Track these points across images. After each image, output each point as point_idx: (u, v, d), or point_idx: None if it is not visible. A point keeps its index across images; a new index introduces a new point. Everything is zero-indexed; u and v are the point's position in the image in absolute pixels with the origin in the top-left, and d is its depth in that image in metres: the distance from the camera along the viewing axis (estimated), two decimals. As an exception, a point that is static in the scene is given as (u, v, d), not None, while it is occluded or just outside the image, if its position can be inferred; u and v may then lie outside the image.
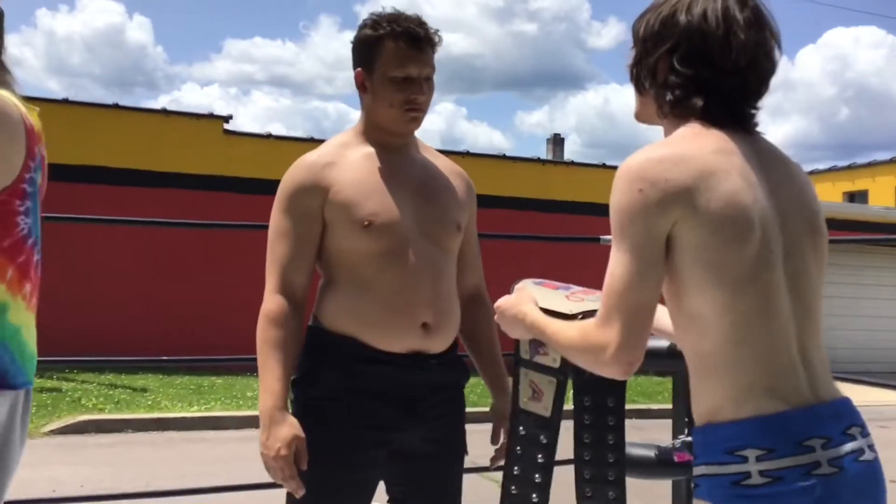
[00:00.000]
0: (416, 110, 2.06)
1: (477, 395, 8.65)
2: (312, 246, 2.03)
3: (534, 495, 1.76)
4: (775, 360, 1.34)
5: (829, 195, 18.44)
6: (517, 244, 11.49)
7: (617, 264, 1.34)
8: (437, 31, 2.06)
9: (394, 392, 1.99)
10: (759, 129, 1.48)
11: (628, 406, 8.34)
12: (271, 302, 1.98)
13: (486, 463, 2.26)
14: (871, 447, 1.39)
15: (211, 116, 12.46)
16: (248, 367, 11.43)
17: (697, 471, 1.37)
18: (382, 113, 2.06)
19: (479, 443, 2.33)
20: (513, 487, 1.78)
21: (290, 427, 1.90)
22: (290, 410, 2.02)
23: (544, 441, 1.75)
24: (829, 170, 19.47)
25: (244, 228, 4.26)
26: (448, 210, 2.12)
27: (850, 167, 19.13)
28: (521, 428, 1.78)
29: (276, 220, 2.04)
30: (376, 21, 2.04)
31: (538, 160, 14.53)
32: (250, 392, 9.71)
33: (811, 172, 20.03)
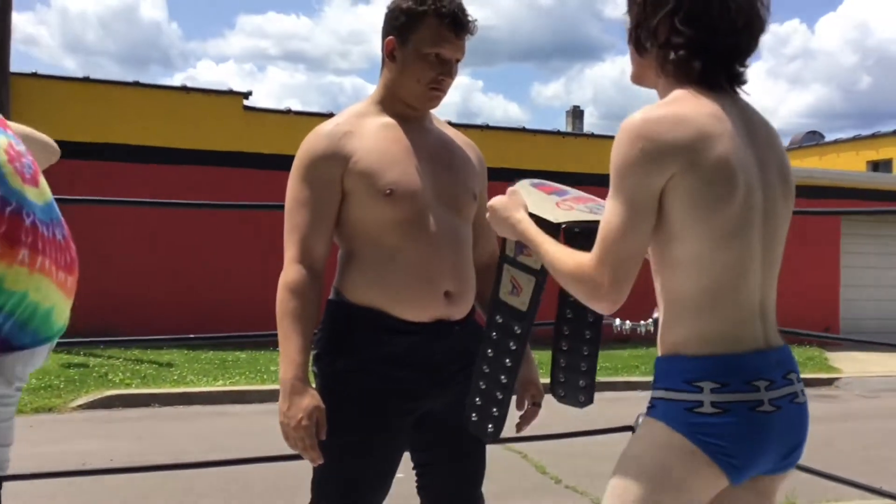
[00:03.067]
0: (441, 90, 2.09)
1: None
2: (332, 215, 2.03)
3: (502, 377, 1.85)
4: (740, 310, 1.50)
5: (852, 164, 18.21)
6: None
7: (613, 214, 1.46)
8: (475, 20, 2.08)
9: (420, 360, 2.02)
10: (745, 86, 1.60)
11: (614, 377, 8.28)
12: (291, 272, 1.99)
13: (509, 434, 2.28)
14: (802, 391, 1.58)
15: (231, 93, 12.47)
16: (271, 342, 11.39)
17: (655, 394, 1.53)
18: (407, 86, 2.07)
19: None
20: (485, 367, 1.86)
21: (311, 398, 1.91)
22: (315, 384, 2.03)
23: (518, 331, 1.82)
24: (853, 139, 19.20)
25: (264, 209, 4.26)
26: (465, 179, 2.15)
27: (873, 136, 18.85)
28: (497, 317, 1.85)
29: (295, 189, 2.04)
30: None
31: (558, 133, 14.45)
32: (273, 366, 9.79)
33: (834, 142, 19.77)
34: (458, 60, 2.09)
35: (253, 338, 8.84)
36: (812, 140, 20.81)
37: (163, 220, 11.59)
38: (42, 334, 1.92)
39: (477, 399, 1.88)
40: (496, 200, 1.76)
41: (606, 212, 1.48)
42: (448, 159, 2.14)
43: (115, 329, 9.97)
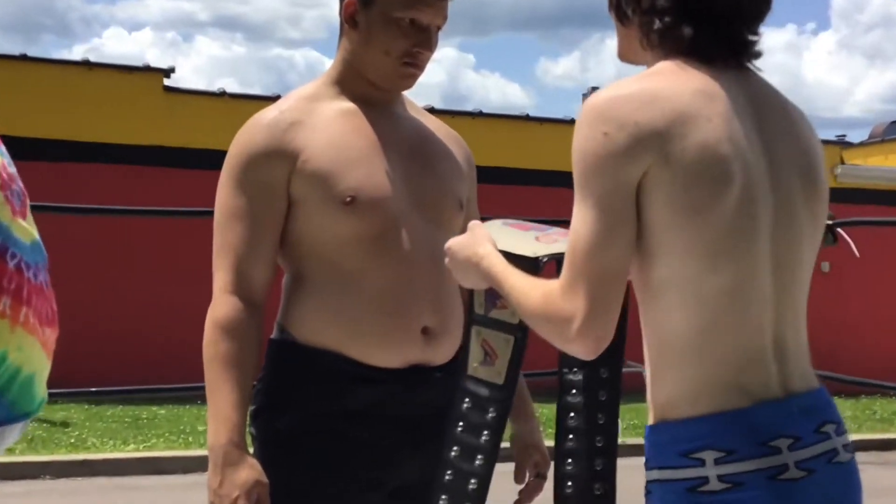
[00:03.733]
0: (416, 66, 2.09)
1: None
2: (275, 230, 2.03)
3: (472, 482, 1.78)
4: (744, 351, 1.47)
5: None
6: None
7: (581, 222, 1.44)
8: None
9: (389, 418, 2.02)
10: (759, 61, 1.59)
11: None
12: (222, 304, 1.99)
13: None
14: (846, 447, 1.53)
15: (147, 69, 12.50)
16: (198, 396, 11.36)
17: (649, 475, 1.49)
18: (373, 60, 2.08)
19: (498, 485, 2.32)
20: (448, 473, 1.80)
21: (250, 470, 1.90)
22: (253, 447, 2.03)
23: (492, 415, 1.77)
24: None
25: (193, 216, 4.26)
26: (448, 181, 2.16)
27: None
28: (466, 401, 1.80)
29: (227, 197, 2.04)
30: None
31: (572, 122, 14.52)
32: (202, 426, 9.72)
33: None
34: (438, 27, 2.09)
35: (174, 391, 8.73)
36: (898, 132, 20.98)
37: (55, 231, 11.52)
38: (20, 408, 1.91)
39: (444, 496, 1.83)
40: (454, 241, 1.74)
41: (573, 222, 1.46)
42: (426, 157, 2.15)
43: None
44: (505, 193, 11.75)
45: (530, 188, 12.52)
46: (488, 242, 1.68)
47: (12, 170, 1.99)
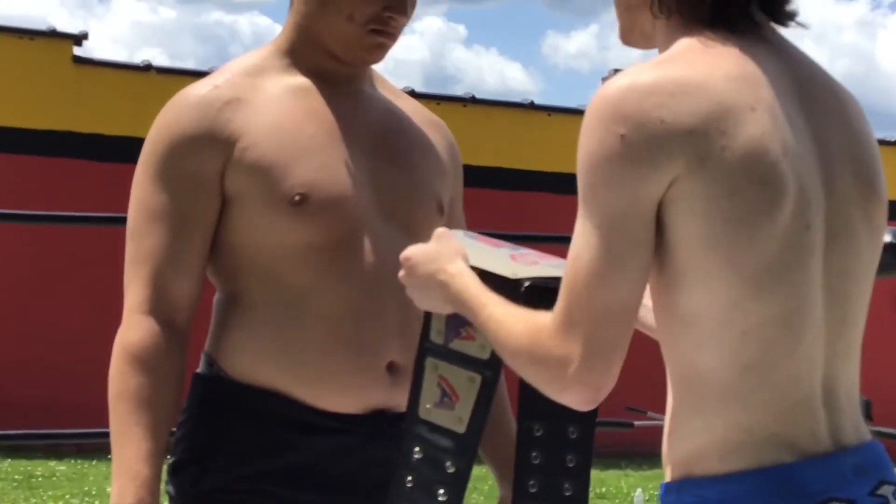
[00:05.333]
0: (386, 34, 2.10)
1: (484, 493, 8.62)
2: (203, 235, 2.03)
3: None
4: (791, 395, 1.47)
5: None
6: (556, 248, 11.53)
7: (584, 245, 1.44)
8: None
9: (348, 476, 2.02)
10: (797, 24, 1.59)
11: None
12: (135, 328, 1.99)
13: None
14: None
15: (53, 35, 12.59)
16: (105, 446, 11.32)
17: None
18: (333, 26, 2.09)
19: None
20: None
21: None
22: None
23: (451, 470, 1.78)
24: None
25: (107, 224, 4.26)
26: (424, 178, 2.16)
27: None
28: (416, 450, 1.81)
29: (144, 193, 2.04)
30: None
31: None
32: (109, 485, 9.71)
33: None
34: None
35: (75, 438, 8.72)
36: None
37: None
38: None
39: None
40: (415, 251, 1.74)
41: (573, 244, 1.46)
42: (398, 146, 2.16)
43: None
44: (503, 200, 11.79)
45: (535, 194, 12.58)
46: (460, 258, 1.69)
47: None
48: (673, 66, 1.49)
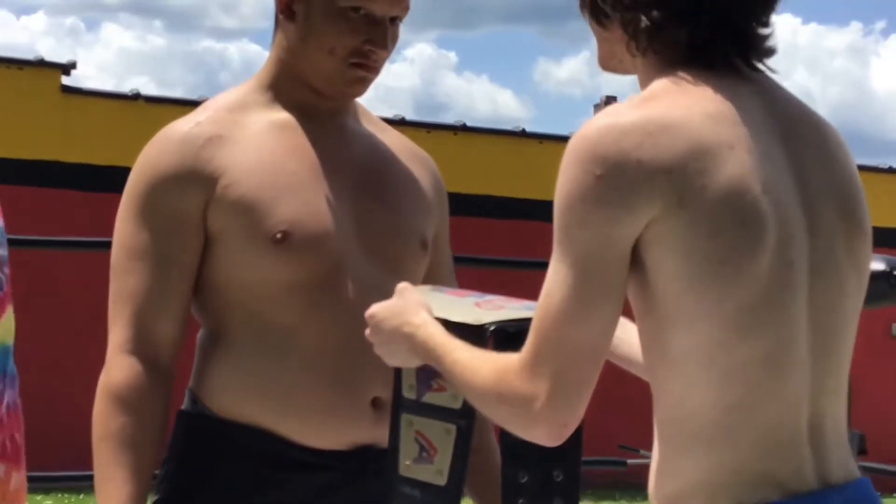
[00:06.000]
0: (368, 68, 2.10)
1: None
2: (186, 274, 2.04)
3: None
4: (776, 434, 1.48)
5: None
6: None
7: (556, 283, 1.46)
8: None
9: None
10: (771, 62, 1.60)
11: None
12: (118, 368, 2.00)
13: None
14: None
15: (41, 64, 12.61)
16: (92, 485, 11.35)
17: None
18: (314, 60, 2.10)
19: None
20: None
21: None
22: None
23: None
24: None
25: (95, 248, 4.27)
26: (407, 215, 2.17)
27: None
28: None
29: (126, 231, 2.05)
30: None
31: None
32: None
33: None
34: (396, 19, 2.11)
35: (62, 481, 8.70)
36: None
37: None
38: None
39: None
40: (378, 308, 1.76)
41: (546, 282, 1.48)
42: (381, 183, 2.16)
43: None
44: (494, 229, 11.81)
45: (527, 223, 12.53)
46: (423, 309, 1.70)
47: (4, 251, 2.03)
48: (651, 106, 1.50)
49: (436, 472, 1.78)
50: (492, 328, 1.68)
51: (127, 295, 2.02)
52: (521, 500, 1.90)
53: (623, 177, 1.43)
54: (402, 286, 1.78)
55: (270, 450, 2.01)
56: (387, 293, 1.99)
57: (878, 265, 3.61)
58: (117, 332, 2.01)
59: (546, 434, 1.50)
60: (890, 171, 15.72)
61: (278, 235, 2.00)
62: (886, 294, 3.57)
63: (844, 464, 1.55)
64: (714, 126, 1.47)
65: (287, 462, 2.01)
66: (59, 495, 10.71)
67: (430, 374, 1.73)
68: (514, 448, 1.85)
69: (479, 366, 1.54)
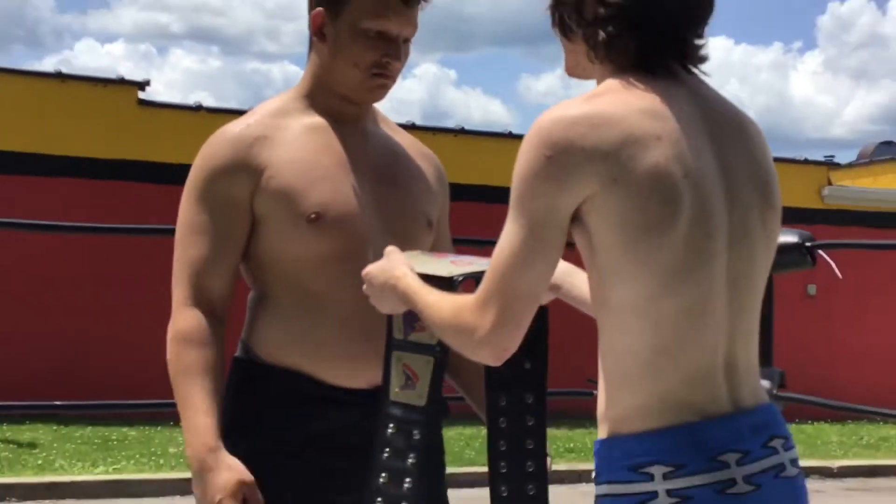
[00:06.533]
0: (386, 77, 2.10)
1: (475, 449, 8.54)
2: (236, 247, 2.05)
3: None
4: (697, 370, 1.49)
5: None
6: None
7: (508, 240, 1.48)
8: None
9: (355, 440, 1.99)
10: (705, 67, 1.60)
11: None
12: (183, 318, 2.00)
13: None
14: (793, 462, 1.56)
15: (122, 82, 12.48)
16: (171, 416, 11.27)
17: (599, 490, 1.52)
18: (342, 73, 2.09)
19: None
20: (378, 501, 1.80)
21: (231, 471, 1.90)
22: None
23: (416, 437, 1.79)
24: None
25: (159, 235, 4.25)
26: (417, 200, 2.17)
27: (966, 148, 19.16)
28: (390, 425, 1.82)
29: (189, 212, 2.05)
30: None
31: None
32: (173, 447, 9.68)
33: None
34: (407, 39, 2.11)
35: (145, 407, 8.67)
36: (888, 153, 21.11)
37: (25, 253, 11.45)
38: None
39: None
40: (372, 267, 1.78)
41: (501, 237, 1.50)
42: (395, 174, 2.16)
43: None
44: (487, 212, 11.76)
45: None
46: (405, 266, 1.73)
47: None
48: (597, 102, 1.50)
49: (417, 396, 1.80)
50: (460, 279, 1.71)
51: (187, 262, 2.03)
52: (501, 419, 1.96)
53: (569, 159, 1.45)
54: (389, 249, 1.80)
55: (309, 389, 2.01)
56: None
57: (792, 238, 3.62)
58: (180, 291, 2.02)
59: (490, 356, 1.53)
60: (805, 161, 15.61)
61: (312, 216, 2.00)
62: (799, 262, 3.58)
63: (754, 393, 1.57)
64: (646, 120, 1.47)
65: (322, 399, 2.01)
66: (143, 427, 10.69)
67: (413, 318, 1.74)
68: (495, 378, 1.90)
69: (443, 306, 1.58)
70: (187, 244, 2.03)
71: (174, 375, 1.99)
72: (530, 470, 1.96)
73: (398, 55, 2.09)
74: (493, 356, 1.53)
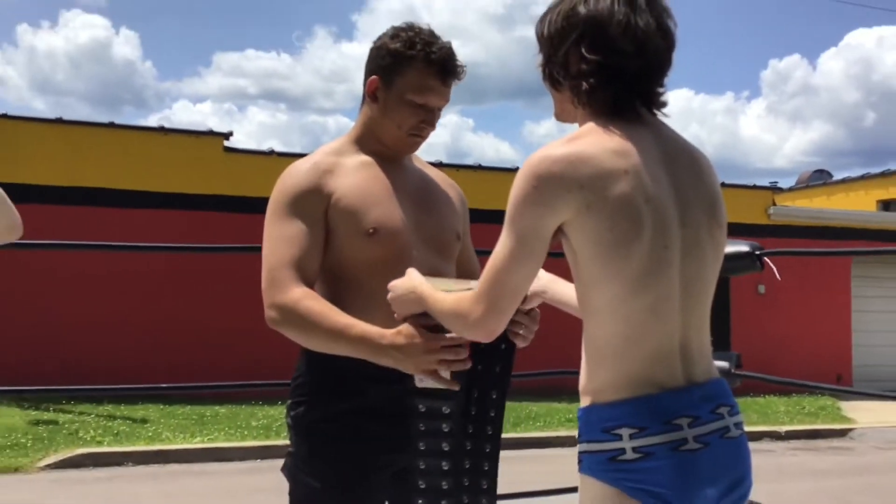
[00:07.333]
0: (421, 136, 2.12)
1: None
2: (319, 247, 2.02)
3: (443, 483, 1.80)
4: (657, 353, 1.52)
5: (862, 204, 18.33)
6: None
7: (501, 247, 1.53)
8: (464, 66, 2.10)
9: (398, 411, 1.95)
10: (666, 109, 1.62)
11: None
12: (292, 291, 1.94)
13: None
14: (737, 425, 1.58)
15: (211, 133, 12.58)
16: (252, 395, 11.45)
17: (580, 447, 1.56)
18: (387, 130, 2.10)
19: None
20: (420, 464, 1.81)
21: (402, 334, 1.84)
22: (289, 435, 2.04)
23: (446, 411, 1.82)
24: (862, 177, 19.30)
25: (242, 252, 4.29)
26: (447, 219, 2.18)
27: (883, 174, 18.97)
28: (420, 406, 1.83)
29: (277, 226, 2.01)
30: (412, 39, 2.06)
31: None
32: (255, 421, 9.71)
33: (842, 181, 19.93)
34: (441, 108, 2.11)
35: (231, 387, 8.64)
36: (820, 179, 20.97)
37: (139, 266, 11.55)
38: None
39: (420, 501, 1.83)
40: (395, 282, 1.82)
41: (497, 245, 1.54)
42: (429, 199, 2.16)
43: (86, 383, 9.90)
44: (499, 230, 11.74)
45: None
46: (421, 280, 1.78)
47: None
48: (575, 143, 1.51)
49: (443, 381, 1.81)
50: (459, 291, 1.72)
51: (287, 259, 1.97)
52: (474, 385, 1.90)
53: (551, 189, 1.48)
54: (409, 270, 1.84)
55: (360, 369, 1.95)
56: (436, 267, 2.06)
57: (744, 248, 3.62)
58: (286, 278, 1.96)
59: (482, 335, 1.59)
60: (754, 186, 15.51)
61: (370, 231, 2.01)
62: (750, 267, 3.58)
63: (707, 371, 1.59)
64: (615, 158, 1.49)
65: (374, 377, 1.96)
66: (230, 406, 10.73)
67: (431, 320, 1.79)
68: (475, 350, 1.85)
69: (447, 299, 1.65)
70: (282, 249, 1.99)
71: (313, 326, 1.92)
72: (490, 433, 1.91)
73: (433, 122, 2.11)
74: (483, 335, 1.59)
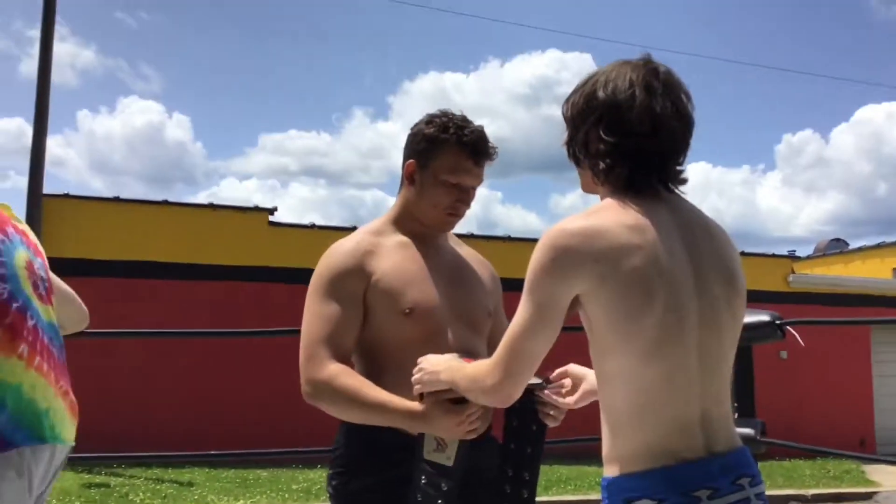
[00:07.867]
0: (456, 216, 2.12)
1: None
2: (356, 330, 2.01)
3: None
4: (674, 422, 1.47)
5: (878, 271, 18.06)
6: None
7: (520, 314, 1.53)
8: (496, 147, 2.11)
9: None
10: (685, 186, 1.61)
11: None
12: (334, 365, 1.95)
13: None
14: (758, 496, 1.51)
15: (256, 209, 12.72)
16: (294, 460, 11.36)
17: None
18: (425, 210, 2.11)
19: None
20: None
21: (434, 408, 1.85)
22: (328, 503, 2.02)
23: (444, 488, 1.82)
24: (878, 245, 19.08)
25: (283, 335, 4.31)
26: (479, 297, 2.15)
27: (898, 242, 18.73)
28: (423, 477, 1.85)
29: (317, 304, 2.01)
30: (445, 123, 2.08)
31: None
32: (295, 484, 9.62)
33: (859, 249, 19.69)
34: (475, 187, 2.11)
35: (274, 455, 8.65)
36: (836, 248, 20.75)
37: (187, 340, 11.61)
38: (36, 433, 1.87)
39: None
40: (423, 361, 1.85)
41: (516, 314, 1.53)
42: (462, 277, 2.15)
43: (137, 449, 9.90)
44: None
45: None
46: (447, 360, 1.81)
47: (37, 265, 2.03)
48: (592, 218, 1.51)
49: (446, 458, 1.83)
50: None
51: (325, 337, 1.97)
52: (507, 464, 1.94)
53: (568, 261, 1.47)
54: (434, 356, 1.86)
55: (398, 441, 1.94)
56: (469, 343, 2.05)
57: (765, 317, 3.57)
58: (314, 353, 1.97)
59: (499, 400, 1.60)
60: (773, 255, 15.36)
61: (407, 310, 2.00)
62: (770, 335, 3.52)
63: (728, 440, 1.53)
64: (629, 233, 1.48)
65: (408, 448, 1.92)
66: (272, 469, 10.64)
67: (439, 441, 1.85)
68: (508, 430, 1.93)
69: (468, 368, 1.68)
70: (321, 326, 1.99)
71: (349, 402, 1.92)
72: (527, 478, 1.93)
73: (468, 202, 2.11)
74: (499, 401, 1.59)
